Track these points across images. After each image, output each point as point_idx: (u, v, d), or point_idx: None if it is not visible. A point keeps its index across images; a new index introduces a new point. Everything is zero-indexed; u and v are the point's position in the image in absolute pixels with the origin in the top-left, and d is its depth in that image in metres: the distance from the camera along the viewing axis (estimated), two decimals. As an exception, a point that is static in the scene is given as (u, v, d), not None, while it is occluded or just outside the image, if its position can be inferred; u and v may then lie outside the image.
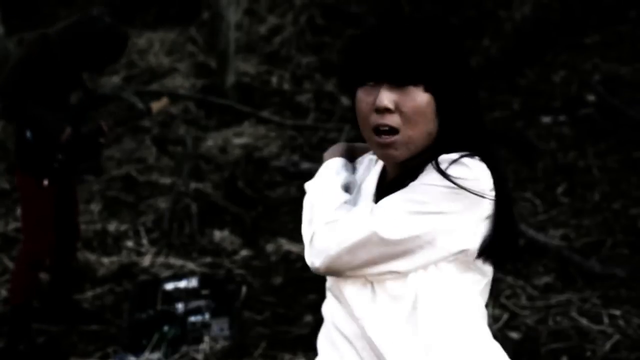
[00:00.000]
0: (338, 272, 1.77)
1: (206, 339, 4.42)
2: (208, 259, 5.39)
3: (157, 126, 7.53)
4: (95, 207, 6.18)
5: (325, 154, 1.95)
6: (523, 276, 4.98)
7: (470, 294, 1.87)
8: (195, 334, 4.46)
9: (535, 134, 6.82)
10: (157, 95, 8.05)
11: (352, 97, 1.78)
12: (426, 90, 1.68)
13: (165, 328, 4.47)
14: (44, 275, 4.88)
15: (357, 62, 1.72)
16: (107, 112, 7.74)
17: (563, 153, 6.54)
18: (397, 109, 1.68)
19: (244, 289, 4.99)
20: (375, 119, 1.70)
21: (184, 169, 6.46)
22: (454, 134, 1.74)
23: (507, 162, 6.49)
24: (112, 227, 5.87)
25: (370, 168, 1.91)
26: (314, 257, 1.78)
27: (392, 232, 1.70)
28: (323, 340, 1.92)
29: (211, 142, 7.22)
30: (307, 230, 1.81)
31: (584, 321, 4.50)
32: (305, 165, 6.57)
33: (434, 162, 1.71)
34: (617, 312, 4.56)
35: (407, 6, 8.94)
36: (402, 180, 1.76)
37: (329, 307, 1.90)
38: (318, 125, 7.52)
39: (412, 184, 1.73)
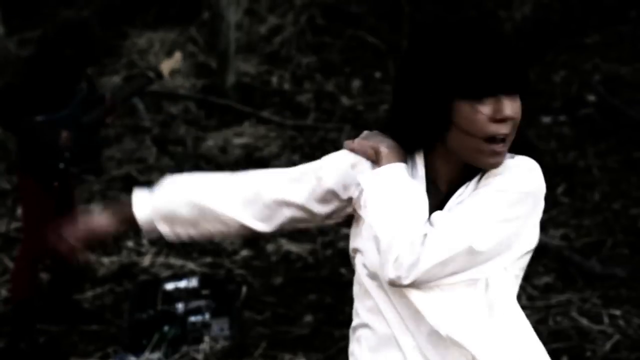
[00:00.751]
0: (421, 283, 1.78)
1: (206, 339, 4.42)
2: (208, 259, 5.39)
3: (157, 126, 7.53)
4: (95, 207, 6.18)
5: (367, 144, 1.88)
6: (523, 276, 4.98)
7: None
8: (195, 334, 4.46)
9: (535, 133, 6.82)
10: (157, 96, 8.06)
11: (442, 107, 1.75)
12: (523, 97, 1.79)
13: (166, 328, 4.47)
14: (44, 275, 4.89)
15: (475, 77, 1.71)
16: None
17: (563, 153, 6.54)
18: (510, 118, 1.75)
19: (244, 289, 4.99)
20: (496, 128, 1.74)
21: (184, 169, 6.46)
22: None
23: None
24: (112, 227, 5.86)
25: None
26: (402, 272, 1.74)
27: (485, 243, 1.76)
28: None
29: (211, 142, 7.22)
30: (391, 243, 1.76)
31: (584, 321, 4.50)
32: (305, 165, 6.56)
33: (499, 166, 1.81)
34: (618, 312, 4.56)
35: (407, 6, 8.93)
36: (463, 182, 1.83)
37: (378, 325, 1.88)
38: (318, 125, 7.52)
39: (484, 191, 1.79)
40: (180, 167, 6.61)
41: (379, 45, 8.72)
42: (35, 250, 4.41)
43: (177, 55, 4.67)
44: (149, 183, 7.00)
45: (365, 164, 1.86)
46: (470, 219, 1.75)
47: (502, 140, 1.77)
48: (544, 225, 5.52)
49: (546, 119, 7.11)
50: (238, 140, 7.25)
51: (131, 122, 7.60)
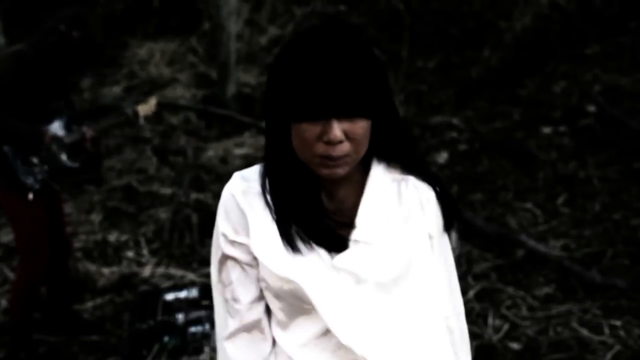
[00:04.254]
0: None
1: (206, 349, 4.42)
2: (208, 270, 5.37)
3: (157, 136, 7.54)
4: (95, 217, 6.19)
5: None
6: (524, 287, 4.98)
7: None
8: (195, 345, 4.46)
9: (535, 144, 6.83)
10: (157, 106, 8.07)
11: (280, 122, 1.74)
12: (367, 117, 1.71)
13: (166, 338, 4.47)
14: (42, 288, 4.88)
15: (301, 100, 1.66)
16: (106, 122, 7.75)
17: (563, 163, 6.55)
18: (347, 138, 1.69)
19: (244, 299, 4.98)
20: (325, 149, 1.68)
21: (184, 180, 6.46)
22: (384, 140, 1.79)
23: (507, 173, 6.50)
24: (112, 237, 5.87)
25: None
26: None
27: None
28: None
29: (212, 152, 7.23)
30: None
31: (584, 332, 4.50)
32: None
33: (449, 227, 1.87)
34: (618, 323, 4.56)
35: (407, 17, 8.95)
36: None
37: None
38: (318, 135, 7.51)
39: (443, 258, 1.89)
40: (180, 177, 6.61)
41: (379, 56, 8.72)
42: (32, 267, 4.35)
43: (152, 101, 4.69)
44: (149, 193, 6.98)
45: (253, 187, 1.83)
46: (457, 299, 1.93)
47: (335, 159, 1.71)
48: (545, 235, 5.54)
49: (546, 130, 7.12)
50: (238, 151, 7.26)
51: (132, 132, 7.61)
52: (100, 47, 4.39)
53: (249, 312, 1.87)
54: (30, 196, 4.17)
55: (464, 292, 4.92)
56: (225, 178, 6.67)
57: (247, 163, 6.95)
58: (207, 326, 4.53)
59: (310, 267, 1.76)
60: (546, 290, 4.94)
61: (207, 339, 4.48)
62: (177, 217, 5.96)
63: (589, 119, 7.15)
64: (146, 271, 5.39)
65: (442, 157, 6.93)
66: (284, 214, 1.78)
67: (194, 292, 4.79)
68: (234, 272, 1.87)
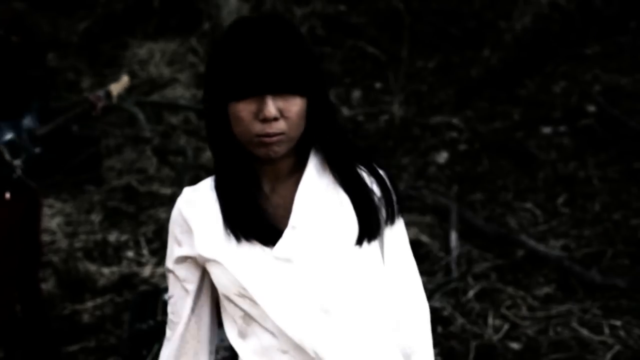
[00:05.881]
0: None
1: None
2: (208, 270, 5.38)
3: (157, 136, 7.54)
4: (95, 217, 6.19)
5: None
6: (523, 287, 4.98)
7: None
8: (195, 345, 4.45)
9: (535, 144, 6.83)
10: (157, 106, 8.07)
11: (218, 108, 1.77)
12: (302, 95, 1.75)
13: (166, 338, 4.46)
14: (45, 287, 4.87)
15: (236, 78, 1.72)
16: (106, 122, 7.75)
17: (563, 163, 6.54)
18: (282, 115, 1.72)
19: (244, 299, 4.98)
20: (262, 128, 1.72)
21: (184, 180, 6.46)
22: (318, 126, 1.81)
23: (507, 173, 6.50)
24: (112, 237, 5.87)
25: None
26: None
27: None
28: None
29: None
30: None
31: (584, 332, 4.50)
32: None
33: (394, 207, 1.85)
34: (618, 323, 4.56)
35: (407, 17, 8.95)
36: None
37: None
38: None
39: (399, 247, 1.89)
40: (180, 177, 6.61)
41: (379, 55, 8.73)
42: (9, 270, 4.20)
43: (125, 79, 4.65)
44: (149, 193, 6.99)
45: (200, 195, 1.87)
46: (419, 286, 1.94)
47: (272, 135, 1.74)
48: (545, 235, 5.53)
49: (546, 130, 7.12)
50: (238, 151, 7.25)
51: (132, 132, 7.61)
52: (44, 46, 4.32)
53: (185, 326, 1.90)
54: (7, 195, 4.06)
55: (464, 292, 4.92)
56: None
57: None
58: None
59: (252, 263, 1.77)
60: (546, 290, 4.94)
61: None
62: (177, 217, 5.95)
63: (589, 119, 7.14)
64: (146, 271, 5.39)
65: (442, 157, 6.93)
66: (226, 209, 1.80)
67: (194, 292, 4.78)
68: (175, 287, 1.91)
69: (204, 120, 1.85)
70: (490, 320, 4.63)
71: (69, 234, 5.94)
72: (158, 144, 7.41)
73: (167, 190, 6.53)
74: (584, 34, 8.54)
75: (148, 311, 4.65)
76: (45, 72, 4.36)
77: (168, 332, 1.93)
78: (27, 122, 4.15)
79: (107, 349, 4.64)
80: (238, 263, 1.77)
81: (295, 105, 1.73)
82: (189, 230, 1.85)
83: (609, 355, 4.29)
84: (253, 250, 1.77)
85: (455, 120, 7.52)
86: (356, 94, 8.24)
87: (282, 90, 1.71)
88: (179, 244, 1.87)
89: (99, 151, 6.89)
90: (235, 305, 1.81)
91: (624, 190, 6.08)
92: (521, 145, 6.82)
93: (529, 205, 5.97)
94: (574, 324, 4.56)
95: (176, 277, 1.89)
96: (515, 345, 4.43)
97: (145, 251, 5.67)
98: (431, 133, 7.36)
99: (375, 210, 1.81)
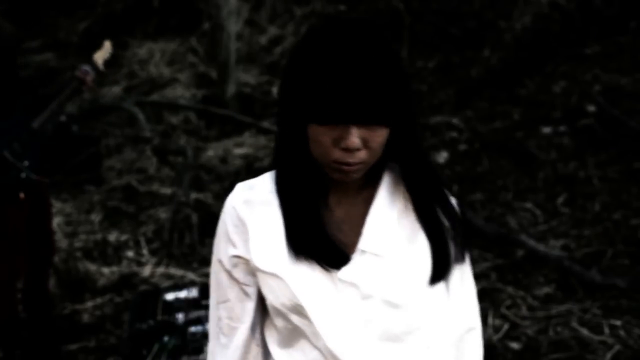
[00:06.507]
0: None
1: (206, 349, 4.42)
2: (208, 269, 5.37)
3: (157, 136, 7.54)
4: (95, 217, 6.19)
5: None
6: (523, 286, 4.98)
7: None
8: (195, 345, 4.46)
9: (535, 144, 6.83)
10: (157, 106, 8.07)
11: (295, 124, 1.64)
12: (389, 124, 1.61)
13: (166, 338, 4.47)
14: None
15: (319, 102, 1.55)
16: (106, 122, 7.75)
17: (563, 163, 6.54)
18: (364, 145, 1.59)
19: (244, 299, 4.98)
20: (342, 155, 1.59)
21: (184, 179, 6.46)
22: (401, 152, 1.70)
23: (507, 173, 6.50)
24: (112, 237, 5.87)
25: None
26: None
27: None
28: None
29: (212, 152, 7.23)
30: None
31: (584, 331, 4.50)
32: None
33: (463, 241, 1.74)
34: (618, 323, 4.56)
35: (407, 17, 8.95)
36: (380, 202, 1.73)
37: None
38: (318, 135, 7.51)
39: (464, 271, 1.78)
40: (180, 177, 6.61)
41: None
42: (12, 268, 4.21)
43: (107, 44, 4.55)
44: (149, 193, 6.99)
45: (258, 195, 1.74)
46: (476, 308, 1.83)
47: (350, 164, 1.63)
48: (545, 235, 5.53)
49: (546, 130, 7.12)
50: (238, 151, 7.26)
51: (132, 132, 7.61)
52: (17, 42, 4.27)
53: (249, 332, 1.82)
54: (22, 195, 4.07)
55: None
56: (225, 178, 6.68)
57: (247, 163, 6.96)
58: (207, 326, 4.54)
59: (313, 281, 1.67)
60: (546, 290, 4.93)
61: (207, 338, 4.48)
62: (177, 217, 5.95)
63: (589, 119, 7.14)
64: (146, 271, 5.39)
65: (442, 157, 6.93)
66: (290, 223, 1.68)
67: (194, 292, 4.79)
68: (231, 290, 1.82)
69: (277, 128, 1.71)
70: (490, 320, 4.63)
71: (69, 234, 5.94)
72: (158, 144, 7.41)
73: (167, 190, 6.53)
74: (584, 34, 8.54)
75: (148, 311, 4.65)
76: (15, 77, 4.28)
77: (222, 338, 1.86)
78: (20, 118, 4.12)
79: (107, 349, 4.64)
80: (298, 279, 1.67)
81: (380, 136, 1.60)
82: (244, 232, 1.73)
83: (609, 355, 4.29)
84: (315, 268, 1.66)
85: (455, 120, 7.52)
86: (356, 93, 8.23)
87: (369, 122, 1.57)
88: (233, 245, 1.75)
89: (99, 151, 6.89)
90: (285, 317, 1.72)
91: (624, 190, 6.07)
92: (521, 145, 6.82)
93: (529, 205, 5.97)
94: (574, 324, 4.56)
95: (234, 279, 1.80)
96: (515, 345, 4.43)
97: (145, 251, 5.67)
98: (431, 133, 7.36)
99: (449, 249, 1.72)
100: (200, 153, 7.19)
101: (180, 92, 8.48)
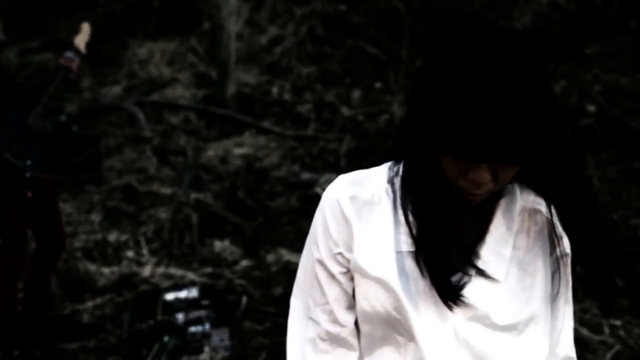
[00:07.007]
0: None
1: (206, 349, 4.42)
2: (208, 269, 5.39)
3: (157, 136, 7.54)
4: (95, 217, 6.18)
5: None
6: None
7: None
8: (195, 345, 4.46)
9: (535, 144, 6.82)
10: (157, 106, 8.07)
11: (427, 147, 1.54)
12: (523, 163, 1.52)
13: (166, 338, 4.47)
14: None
15: (456, 136, 1.44)
16: (106, 122, 7.75)
17: (563, 163, 6.54)
18: (492, 179, 1.50)
19: (244, 299, 4.99)
20: (468, 186, 1.50)
21: (184, 179, 6.46)
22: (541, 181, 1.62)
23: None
24: (112, 237, 5.87)
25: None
26: None
27: None
28: None
29: (212, 152, 7.23)
30: None
31: (584, 331, 4.50)
32: (305, 175, 6.57)
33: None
34: (618, 323, 4.56)
35: (407, 16, 8.95)
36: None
37: None
38: (318, 135, 7.52)
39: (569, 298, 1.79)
40: (180, 177, 6.61)
41: (379, 55, 8.73)
42: (13, 267, 4.26)
43: (85, 27, 4.52)
44: (149, 193, 7.00)
45: (364, 193, 1.64)
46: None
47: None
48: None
49: (546, 129, 7.11)
50: (238, 151, 7.26)
51: (132, 132, 7.61)
52: None
53: (351, 334, 1.70)
54: (29, 194, 4.09)
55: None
56: (225, 178, 6.68)
57: (247, 163, 6.95)
58: (207, 326, 4.54)
59: (420, 293, 1.59)
60: (546, 290, 4.93)
61: (207, 338, 4.48)
62: (177, 217, 5.95)
63: (589, 119, 7.14)
64: (146, 271, 5.39)
65: (442, 157, 6.93)
66: (423, 233, 1.58)
67: (194, 292, 4.79)
68: (331, 291, 1.69)
69: (408, 147, 1.60)
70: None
71: (69, 234, 5.94)
72: (158, 144, 7.41)
73: (167, 190, 6.52)
74: (584, 34, 8.54)
75: (148, 311, 4.65)
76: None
77: (322, 344, 1.71)
78: (15, 117, 4.12)
79: (107, 349, 4.64)
80: (404, 287, 1.59)
81: (512, 171, 1.51)
82: (348, 230, 1.63)
83: (609, 355, 4.29)
84: (424, 281, 1.59)
85: (455, 120, 7.51)
86: (356, 93, 8.24)
87: (505, 162, 1.48)
88: (335, 243, 1.64)
89: (99, 151, 6.89)
90: (373, 324, 1.65)
91: (624, 190, 6.07)
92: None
93: (529, 205, 5.97)
94: (574, 324, 4.56)
95: (337, 281, 1.68)
96: (515, 345, 4.43)
97: (145, 251, 5.67)
98: (431, 133, 7.35)
99: (568, 279, 1.70)
100: (200, 153, 7.19)
101: (180, 92, 8.48)
